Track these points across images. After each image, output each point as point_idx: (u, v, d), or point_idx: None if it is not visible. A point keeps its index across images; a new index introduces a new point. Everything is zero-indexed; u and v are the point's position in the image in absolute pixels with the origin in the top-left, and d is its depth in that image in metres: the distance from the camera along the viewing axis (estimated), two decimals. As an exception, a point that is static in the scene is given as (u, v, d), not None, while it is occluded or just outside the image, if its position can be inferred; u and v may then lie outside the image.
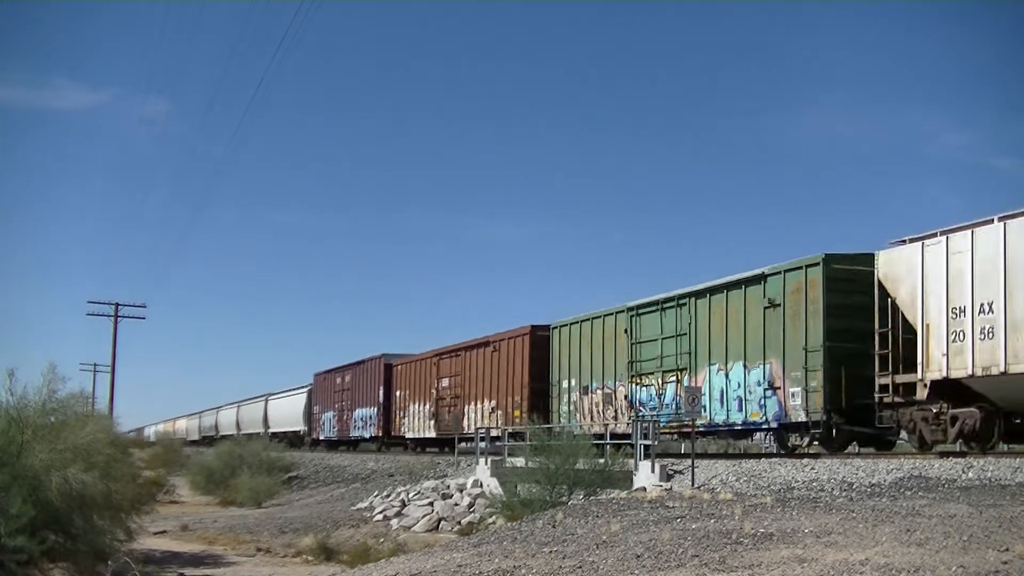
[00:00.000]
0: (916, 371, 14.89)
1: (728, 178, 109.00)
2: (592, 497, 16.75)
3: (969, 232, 14.23)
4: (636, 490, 16.90)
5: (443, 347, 31.57)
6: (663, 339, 21.20)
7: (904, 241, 15.47)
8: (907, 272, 15.21)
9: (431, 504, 22.11)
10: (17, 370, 13.73)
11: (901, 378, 15.25)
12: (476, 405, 28.63)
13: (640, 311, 22.08)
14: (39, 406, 13.76)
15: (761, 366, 18.26)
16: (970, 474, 12.80)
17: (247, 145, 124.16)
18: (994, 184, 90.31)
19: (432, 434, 31.75)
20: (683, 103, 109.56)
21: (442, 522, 21.07)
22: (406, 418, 33.98)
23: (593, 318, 23.84)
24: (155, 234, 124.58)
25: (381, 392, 35.59)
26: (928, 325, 14.75)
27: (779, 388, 17.75)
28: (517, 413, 26.02)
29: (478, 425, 26.49)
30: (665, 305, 21.26)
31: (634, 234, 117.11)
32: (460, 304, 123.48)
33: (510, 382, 26.93)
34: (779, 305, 17.83)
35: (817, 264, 17.06)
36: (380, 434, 35.97)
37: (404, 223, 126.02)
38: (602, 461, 18.56)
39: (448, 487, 23.31)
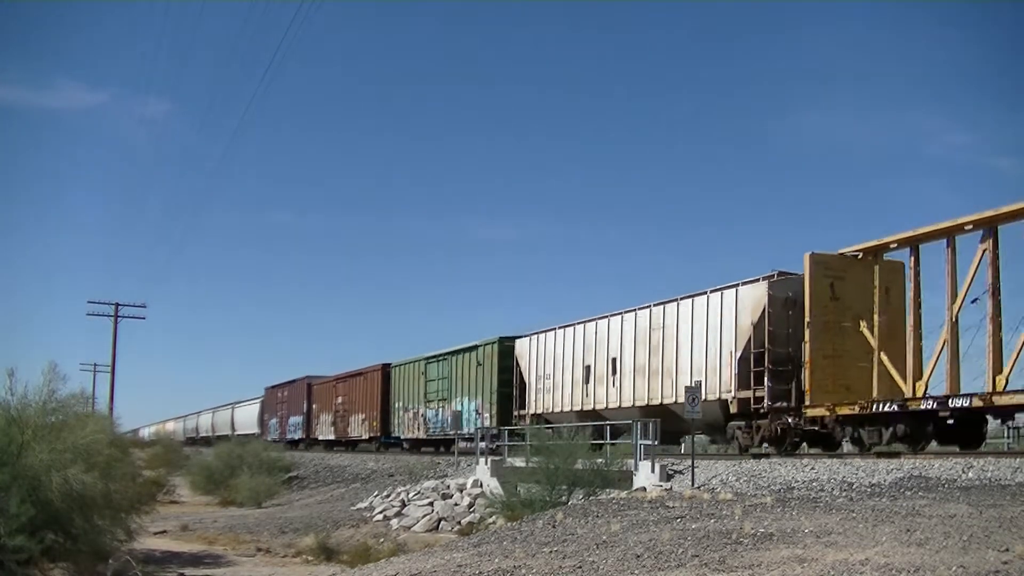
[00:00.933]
0: (526, 408, 27.73)
1: (728, 178, 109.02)
2: (592, 497, 16.75)
3: (542, 335, 27.32)
4: (636, 490, 16.91)
5: (339, 374, 43.16)
6: (440, 379, 33.40)
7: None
8: (522, 354, 28.52)
9: (431, 504, 22.11)
10: (17, 370, 13.72)
11: (522, 412, 27.94)
12: (355, 417, 40.59)
13: (430, 360, 34.27)
14: (39, 406, 13.75)
15: (475, 400, 30.71)
16: (970, 474, 12.81)
17: (246, 146, 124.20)
18: (994, 184, 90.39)
19: (332, 436, 43.12)
20: (683, 103, 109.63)
21: (442, 522, 21.07)
22: (319, 425, 45.12)
23: (410, 362, 36.06)
24: (155, 234, 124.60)
25: (305, 405, 46.83)
26: (529, 383, 27.91)
27: (482, 413, 29.98)
28: (375, 423, 38.20)
29: (358, 432, 39.43)
30: (441, 359, 33.47)
31: (634, 234, 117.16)
32: (460, 305, 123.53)
33: (372, 401, 38.64)
34: (481, 364, 30.47)
35: (495, 343, 29.84)
36: (305, 436, 46.84)
37: (404, 225, 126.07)
38: (601, 461, 18.58)
39: (448, 487, 23.32)
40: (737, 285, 19.65)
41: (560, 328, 26.38)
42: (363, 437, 39.35)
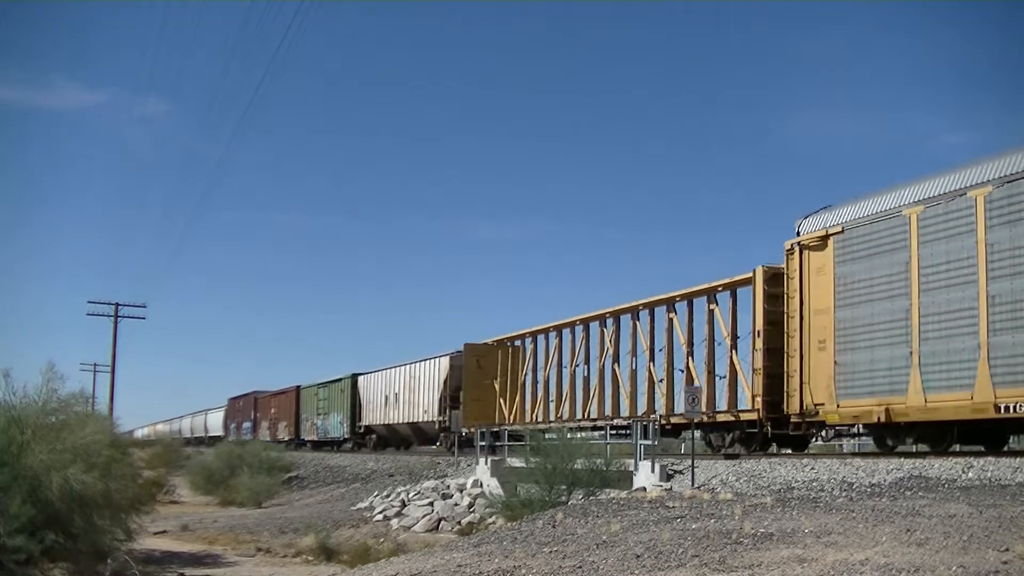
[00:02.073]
0: (362, 420, 41.37)
1: (727, 178, 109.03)
2: (592, 497, 16.74)
3: (370, 375, 40.51)
4: (636, 490, 16.90)
5: (274, 391, 55.48)
6: (324, 400, 46.24)
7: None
8: (361, 385, 41.28)
9: (431, 504, 22.10)
10: (17, 370, 13.75)
11: (360, 423, 41.46)
12: (282, 423, 52.63)
13: (320, 386, 46.87)
14: (39, 406, 13.73)
15: (340, 414, 43.57)
16: (970, 474, 12.80)
17: (246, 146, 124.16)
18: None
19: (268, 438, 51.43)
20: (682, 104, 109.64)
21: (442, 522, 21.07)
22: (261, 429, 56.11)
23: (311, 386, 48.45)
24: (155, 234, 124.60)
25: (253, 413, 58.60)
26: (363, 404, 41.66)
27: (343, 423, 42.85)
28: (292, 428, 50.69)
29: (283, 435, 51.72)
30: (325, 385, 46.14)
31: (633, 235, 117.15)
32: (461, 305, 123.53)
33: (290, 413, 51.42)
34: (344, 391, 42.98)
35: (348, 378, 42.61)
36: (253, 437, 54.48)
37: (404, 224, 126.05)
38: (601, 461, 18.59)
39: (448, 487, 23.31)
40: (438, 357, 34.29)
41: (375, 372, 40.95)
42: (285, 439, 50.90)
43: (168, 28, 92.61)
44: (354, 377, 41.95)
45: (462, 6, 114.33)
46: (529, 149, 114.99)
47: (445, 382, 33.04)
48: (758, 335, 18.37)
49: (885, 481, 13.39)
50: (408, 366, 36.88)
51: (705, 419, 19.62)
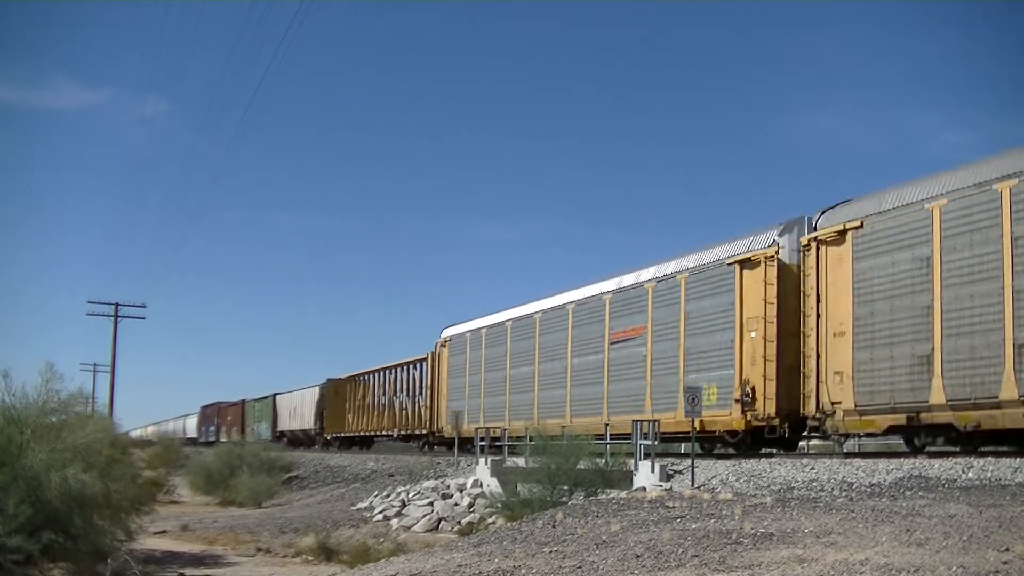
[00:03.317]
0: (278, 427, 56.07)
1: (727, 178, 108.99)
2: (592, 497, 16.73)
3: (283, 395, 56.06)
4: (636, 490, 16.89)
5: (231, 402, 67.74)
6: (260, 410, 59.42)
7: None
8: (278, 401, 56.51)
9: (431, 504, 22.08)
10: (17, 370, 13.74)
11: (277, 429, 55.53)
12: (235, 427, 62.53)
13: (258, 400, 60.39)
14: (39, 406, 13.72)
15: (266, 423, 57.35)
16: (970, 474, 12.79)
17: (246, 146, 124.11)
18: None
19: (226, 439, 57.26)
20: (682, 104, 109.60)
21: (442, 522, 21.05)
22: (221, 433, 66.08)
23: (254, 400, 61.31)
24: (155, 234, 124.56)
25: (215, 420, 70.48)
26: (277, 416, 57.47)
27: (269, 430, 56.01)
28: (239, 433, 58.04)
29: (235, 438, 56.19)
30: (261, 399, 59.58)
31: (632, 235, 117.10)
32: (460, 305, 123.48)
33: (238, 420, 63.17)
34: (268, 405, 57.32)
35: (272, 396, 56.87)
36: (216, 439, 63.76)
37: (403, 224, 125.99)
38: (602, 461, 18.57)
39: (448, 487, 23.29)
40: (315, 386, 48.41)
41: (286, 393, 54.54)
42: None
43: (168, 28, 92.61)
44: (275, 396, 56.74)
45: (462, 6, 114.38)
46: (528, 149, 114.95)
47: (317, 403, 48.13)
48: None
49: (885, 481, 13.39)
50: (300, 391, 51.83)
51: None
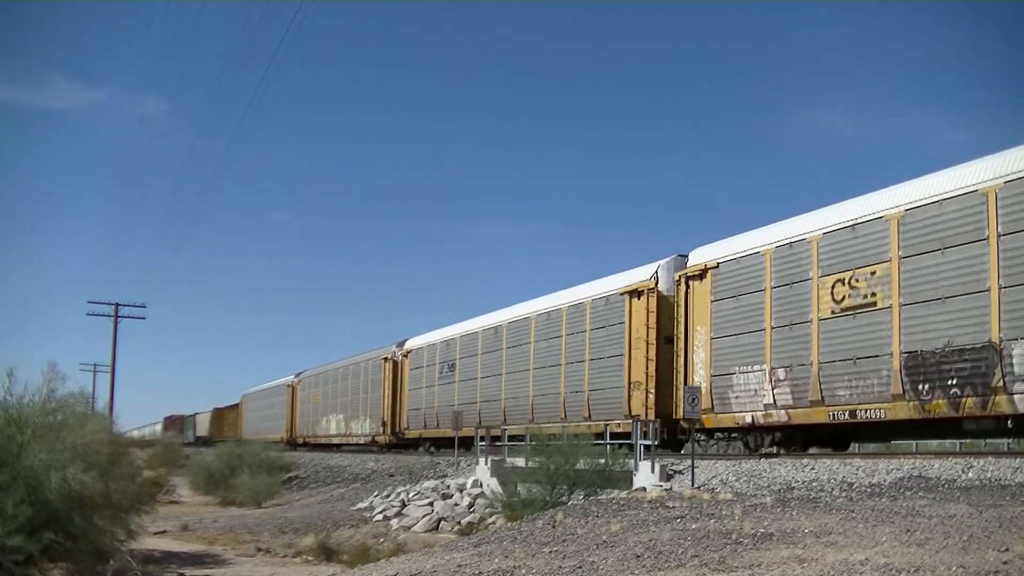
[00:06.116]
0: (242, 429, 62.91)
1: (727, 178, 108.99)
2: (592, 497, 16.73)
3: (252, 394, 64.14)
4: (636, 490, 16.89)
5: (199, 412, 78.63)
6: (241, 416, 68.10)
7: None
8: (243, 402, 66.29)
9: (431, 504, 22.07)
10: (17, 369, 13.69)
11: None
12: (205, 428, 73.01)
13: (227, 408, 71.48)
14: (39, 406, 13.71)
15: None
16: (970, 474, 12.80)
17: (245, 146, 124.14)
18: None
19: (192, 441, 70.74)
20: (682, 103, 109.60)
21: (442, 522, 21.04)
22: (198, 433, 74.97)
23: (226, 406, 70.39)
24: (154, 234, 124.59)
25: (194, 427, 78.54)
26: (243, 418, 66.40)
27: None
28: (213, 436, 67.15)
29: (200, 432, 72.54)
30: (230, 408, 70.45)
31: (631, 235, 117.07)
32: (461, 305, 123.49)
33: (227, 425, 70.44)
34: (239, 409, 66.97)
35: (240, 401, 67.78)
36: (194, 440, 71.61)
37: (402, 224, 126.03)
38: (602, 461, 18.56)
39: (448, 487, 23.28)
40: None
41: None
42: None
43: (168, 28, 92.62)
44: (242, 398, 65.66)
45: (462, 7, 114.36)
46: (529, 149, 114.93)
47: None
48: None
49: (885, 481, 13.39)
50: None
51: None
